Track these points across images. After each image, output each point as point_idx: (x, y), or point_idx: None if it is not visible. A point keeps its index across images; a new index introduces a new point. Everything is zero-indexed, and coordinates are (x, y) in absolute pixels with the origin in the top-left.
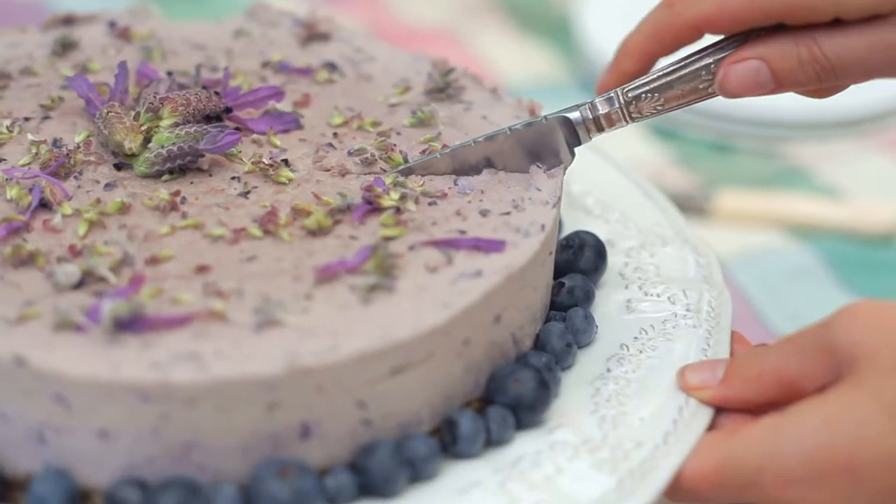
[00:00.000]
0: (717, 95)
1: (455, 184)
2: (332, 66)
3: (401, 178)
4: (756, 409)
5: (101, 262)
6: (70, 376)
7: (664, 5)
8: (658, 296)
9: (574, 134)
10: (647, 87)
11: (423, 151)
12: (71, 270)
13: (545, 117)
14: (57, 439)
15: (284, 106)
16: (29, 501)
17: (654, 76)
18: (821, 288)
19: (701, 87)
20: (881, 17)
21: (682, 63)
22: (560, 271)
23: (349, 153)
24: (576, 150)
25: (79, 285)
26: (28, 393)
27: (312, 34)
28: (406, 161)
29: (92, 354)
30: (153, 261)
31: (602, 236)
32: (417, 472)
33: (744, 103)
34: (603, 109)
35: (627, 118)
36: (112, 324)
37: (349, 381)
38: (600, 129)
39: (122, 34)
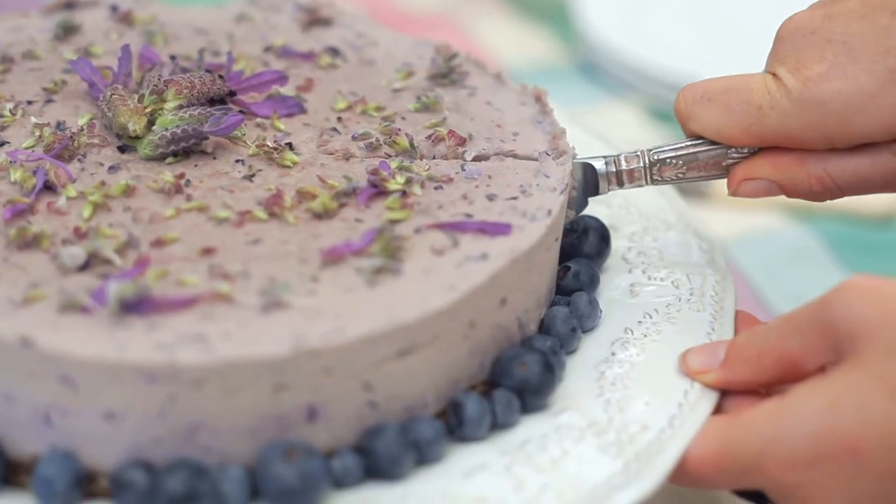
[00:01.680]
0: None
1: (462, 169)
2: (334, 51)
3: (406, 163)
4: (761, 389)
5: (106, 244)
6: (76, 357)
7: (676, 112)
8: (662, 280)
9: (595, 183)
10: (673, 154)
11: (430, 136)
12: (76, 252)
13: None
14: (63, 421)
15: (288, 90)
16: (35, 483)
17: (683, 145)
18: (821, 269)
19: (724, 164)
20: (874, 145)
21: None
22: (564, 255)
23: (353, 137)
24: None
25: (84, 267)
26: (34, 375)
27: (314, 19)
28: (412, 145)
29: (98, 336)
30: (158, 243)
31: (605, 221)
32: (423, 455)
33: None
34: (627, 165)
35: (649, 179)
36: (118, 305)
37: (355, 364)
38: (620, 184)
39: (124, 18)
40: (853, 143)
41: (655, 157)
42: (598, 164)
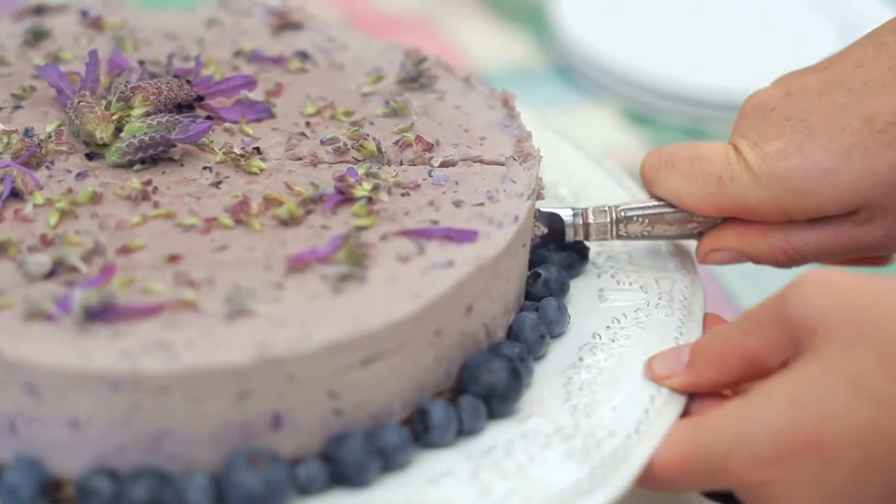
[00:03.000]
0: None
1: (429, 175)
2: (304, 56)
3: (374, 169)
4: (727, 389)
5: (72, 251)
6: (41, 366)
7: (641, 175)
8: (630, 284)
9: (561, 233)
10: (640, 212)
11: (397, 142)
12: (42, 260)
13: (539, 210)
14: (28, 429)
15: (256, 95)
16: (1, 491)
17: (650, 204)
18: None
19: (689, 227)
20: (835, 217)
21: None
22: (536, 262)
23: (321, 142)
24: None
25: (50, 275)
26: None
27: (284, 23)
28: (380, 150)
29: (62, 344)
30: (124, 250)
31: None
32: (389, 462)
33: (717, 88)
34: (595, 219)
35: (614, 234)
36: (83, 313)
37: (320, 371)
38: (587, 237)
39: (94, 23)
40: (810, 216)
41: (623, 214)
42: (566, 216)
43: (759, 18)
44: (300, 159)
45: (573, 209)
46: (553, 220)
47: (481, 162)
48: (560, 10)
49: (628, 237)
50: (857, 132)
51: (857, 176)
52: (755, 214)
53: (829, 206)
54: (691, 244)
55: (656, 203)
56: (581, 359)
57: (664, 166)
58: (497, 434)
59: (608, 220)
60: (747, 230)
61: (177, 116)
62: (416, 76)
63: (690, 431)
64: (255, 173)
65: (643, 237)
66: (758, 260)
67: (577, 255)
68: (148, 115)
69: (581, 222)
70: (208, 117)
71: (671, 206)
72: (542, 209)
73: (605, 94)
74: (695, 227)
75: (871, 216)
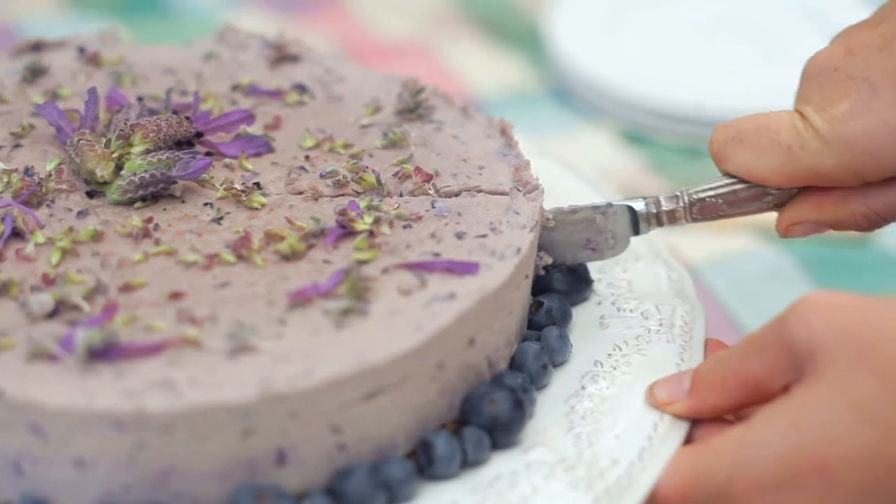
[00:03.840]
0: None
1: (432, 206)
2: (301, 88)
3: (376, 202)
4: (729, 413)
5: (74, 290)
6: (45, 406)
7: (710, 152)
8: (631, 311)
9: (635, 224)
10: (713, 192)
11: (397, 174)
12: (44, 299)
13: (611, 203)
14: (33, 469)
15: (255, 129)
16: None
17: (722, 184)
18: (795, 290)
19: (764, 201)
20: None
21: None
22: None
23: (321, 176)
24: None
25: (52, 314)
26: (3, 424)
27: (282, 56)
28: (379, 182)
29: (66, 384)
30: (126, 288)
31: None
32: (394, 495)
33: (715, 107)
34: (667, 206)
35: (689, 218)
36: (86, 353)
37: (323, 406)
38: (660, 224)
39: (92, 60)
40: (886, 176)
41: (695, 197)
42: (639, 206)
43: (757, 38)
44: (301, 193)
45: (644, 198)
46: (629, 211)
47: (481, 192)
48: (555, 32)
49: (703, 219)
50: None
51: None
52: (829, 180)
53: None
54: (695, 263)
55: (728, 181)
56: (583, 387)
57: (731, 142)
58: (501, 465)
59: (681, 204)
60: (825, 199)
61: (177, 153)
62: (414, 107)
63: (693, 458)
64: (256, 208)
65: (718, 216)
66: (839, 227)
67: (582, 283)
68: (148, 152)
69: (654, 210)
70: (208, 153)
71: (743, 181)
72: (613, 202)
73: (602, 116)
74: (771, 201)
75: None
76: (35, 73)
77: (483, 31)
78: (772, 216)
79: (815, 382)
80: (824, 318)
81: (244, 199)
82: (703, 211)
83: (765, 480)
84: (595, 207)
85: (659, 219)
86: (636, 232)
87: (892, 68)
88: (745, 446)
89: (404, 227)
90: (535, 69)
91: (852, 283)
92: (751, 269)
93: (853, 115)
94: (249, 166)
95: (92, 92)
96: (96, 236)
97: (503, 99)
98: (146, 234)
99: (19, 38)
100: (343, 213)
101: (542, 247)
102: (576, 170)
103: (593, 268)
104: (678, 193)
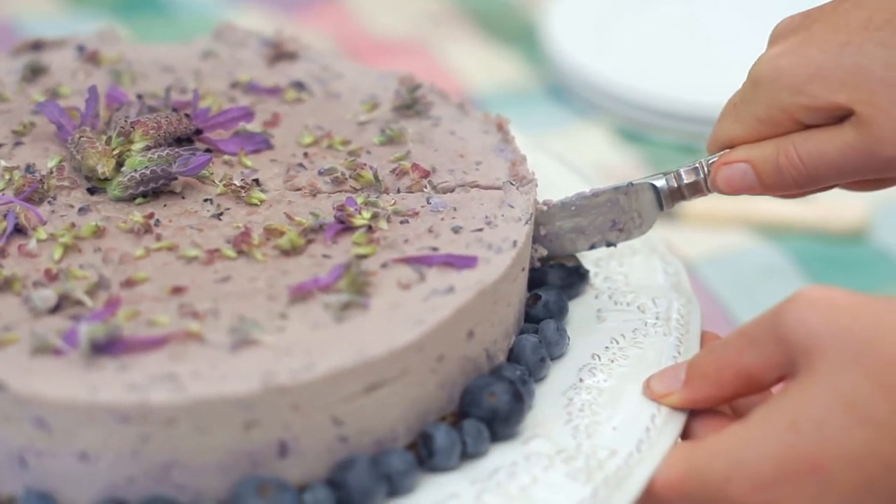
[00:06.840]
0: None
1: (428, 202)
2: (300, 86)
3: (373, 197)
4: (725, 404)
5: (76, 285)
6: (49, 400)
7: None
8: (628, 305)
9: (659, 201)
10: None
11: (394, 170)
12: (47, 295)
13: (631, 183)
14: (38, 463)
15: (254, 126)
16: None
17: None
18: (791, 287)
19: None
20: (846, 120)
21: None
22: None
23: (319, 172)
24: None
25: (55, 309)
26: (8, 418)
27: (280, 53)
28: (377, 178)
29: (70, 378)
30: (128, 283)
31: None
32: (395, 487)
33: (710, 105)
34: (688, 179)
35: (709, 188)
36: (89, 347)
37: (325, 399)
38: (683, 198)
39: (91, 58)
40: (810, 115)
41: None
42: (660, 182)
43: (751, 35)
44: (299, 190)
45: (664, 173)
46: (651, 189)
47: (478, 187)
48: (551, 29)
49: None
50: (853, 31)
51: (848, 71)
52: (766, 125)
53: (822, 100)
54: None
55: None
56: (581, 380)
57: (721, 117)
58: (500, 456)
59: (700, 176)
60: (757, 143)
61: (177, 150)
62: (411, 103)
63: (689, 455)
64: (256, 204)
65: None
66: (765, 179)
67: (576, 277)
68: (148, 149)
69: (675, 185)
70: (207, 150)
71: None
72: (634, 181)
73: (598, 113)
74: None
75: (867, 118)
76: (35, 72)
77: (479, 28)
78: (766, 210)
79: (810, 382)
80: (820, 315)
81: (243, 195)
82: None
83: (761, 478)
84: (616, 188)
85: (682, 193)
86: (661, 208)
87: (832, 19)
88: (743, 444)
89: (401, 222)
90: (532, 66)
91: (846, 279)
92: (746, 266)
93: (782, 54)
94: (248, 163)
95: (92, 90)
96: (98, 232)
97: (500, 96)
98: (147, 229)
99: (19, 37)
100: (341, 208)
101: (569, 232)
102: (572, 166)
103: (589, 262)
104: (697, 165)
